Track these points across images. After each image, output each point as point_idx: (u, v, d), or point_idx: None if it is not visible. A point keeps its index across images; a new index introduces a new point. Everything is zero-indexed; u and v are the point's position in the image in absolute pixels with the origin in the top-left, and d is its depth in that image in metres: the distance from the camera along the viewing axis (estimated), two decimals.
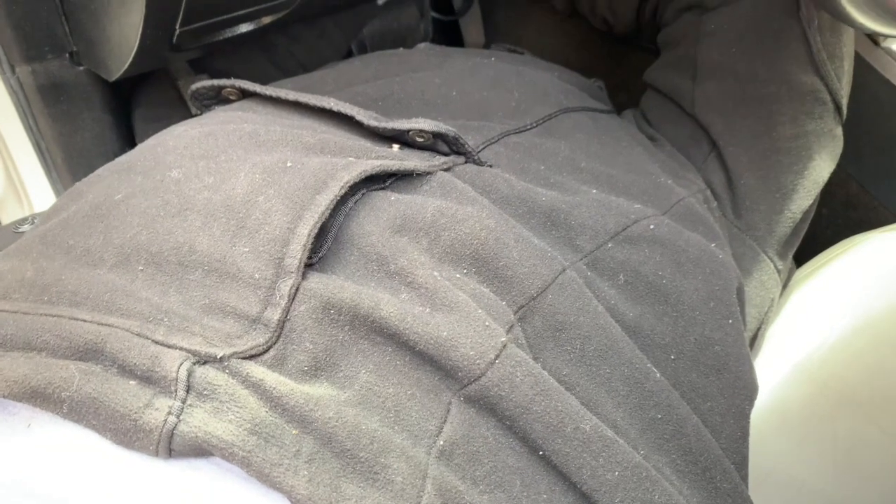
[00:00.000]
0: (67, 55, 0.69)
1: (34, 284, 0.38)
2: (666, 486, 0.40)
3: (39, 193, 0.81)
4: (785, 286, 0.66)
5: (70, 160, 0.77)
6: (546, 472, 0.37)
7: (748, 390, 0.48)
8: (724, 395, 0.47)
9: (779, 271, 0.62)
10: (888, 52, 0.75)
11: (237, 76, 0.54)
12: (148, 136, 0.75)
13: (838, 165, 0.64)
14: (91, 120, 0.76)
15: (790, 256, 0.64)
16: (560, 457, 0.37)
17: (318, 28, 0.84)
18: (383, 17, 0.99)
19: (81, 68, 0.71)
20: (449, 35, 1.12)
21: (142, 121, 0.77)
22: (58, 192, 0.80)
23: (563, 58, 0.89)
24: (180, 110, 0.75)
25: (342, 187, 0.40)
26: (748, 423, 0.48)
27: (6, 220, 0.90)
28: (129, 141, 0.81)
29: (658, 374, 0.44)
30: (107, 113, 0.77)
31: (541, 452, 0.37)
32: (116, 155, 0.80)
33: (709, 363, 0.47)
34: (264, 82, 0.55)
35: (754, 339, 0.62)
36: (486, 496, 0.35)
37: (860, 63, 0.74)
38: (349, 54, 0.97)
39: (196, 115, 0.72)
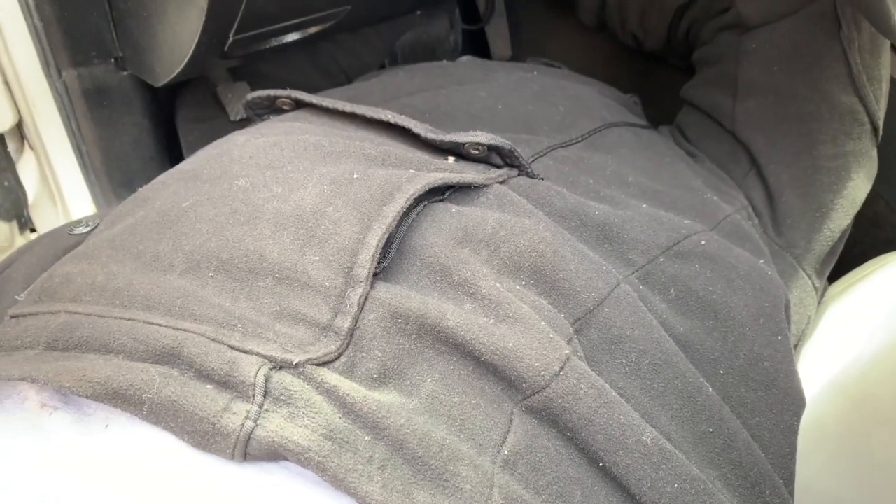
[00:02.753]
0: (113, 60, 0.70)
1: (105, 288, 0.39)
2: (721, 499, 0.40)
3: (75, 195, 0.82)
4: (819, 304, 0.67)
5: (108, 163, 0.78)
6: (605, 484, 0.38)
7: (796, 406, 0.49)
8: (772, 410, 0.47)
9: (816, 289, 0.63)
10: None
11: (276, 82, 0.55)
12: (191, 134, 0.77)
13: None
14: (131, 124, 0.77)
15: (826, 274, 0.65)
16: (621, 468, 0.38)
17: (360, 36, 0.86)
18: (415, 28, 1.00)
19: (125, 73, 0.72)
20: (476, 48, 1.13)
21: (185, 121, 0.78)
22: (94, 195, 0.81)
23: (590, 72, 0.90)
24: (223, 113, 0.76)
25: (408, 199, 0.40)
26: (796, 438, 0.48)
27: (39, 221, 0.91)
28: (165, 146, 0.82)
29: (710, 389, 0.45)
30: (146, 118, 0.78)
31: (601, 464, 0.38)
32: (153, 159, 0.81)
33: (758, 379, 0.48)
34: (301, 87, 0.56)
35: None
36: None
37: (891, 84, 0.75)
38: (382, 65, 0.98)
39: (236, 121, 0.74)
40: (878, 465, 0.60)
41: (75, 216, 0.82)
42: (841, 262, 0.69)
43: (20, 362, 0.36)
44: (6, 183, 0.87)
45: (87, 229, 0.50)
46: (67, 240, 0.49)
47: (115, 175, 0.79)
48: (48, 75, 0.69)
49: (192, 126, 0.77)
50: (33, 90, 0.72)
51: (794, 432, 0.48)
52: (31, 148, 0.85)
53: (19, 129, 0.83)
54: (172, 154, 0.83)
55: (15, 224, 0.90)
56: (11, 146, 0.85)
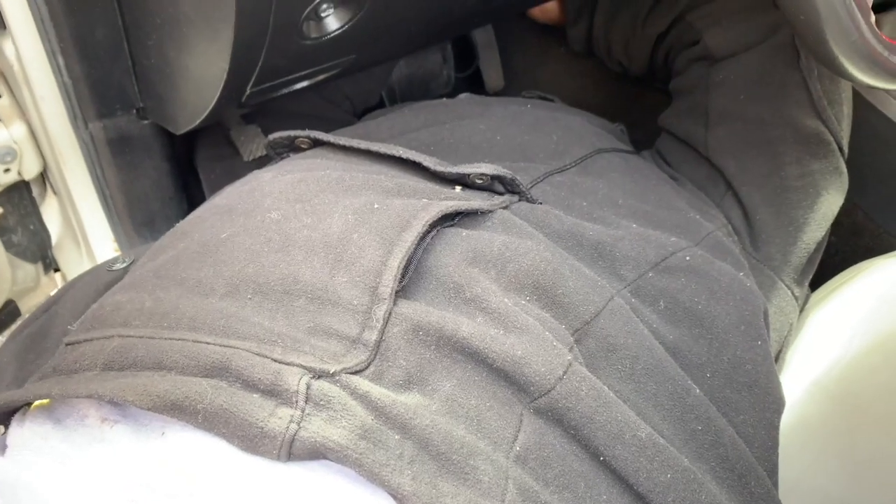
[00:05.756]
0: (135, 111, 0.76)
1: (153, 313, 0.43)
2: (711, 488, 0.45)
3: (98, 236, 0.87)
4: (801, 310, 0.71)
5: (130, 205, 0.83)
6: (605, 475, 0.42)
7: (777, 404, 0.53)
8: (755, 408, 0.52)
9: (796, 298, 0.67)
10: (887, 91, 0.81)
11: (286, 112, 0.58)
12: (212, 173, 0.82)
13: (845, 196, 0.70)
14: (151, 168, 0.82)
15: (806, 283, 0.69)
16: (619, 461, 0.42)
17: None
18: (409, 63, 1.06)
19: (146, 122, 0.77)
20: (471, 79, 1.18)
21: (205, 161, 0.83)
22: (116, 235, 0.86)
23: (580, 98, 0.95)
24: (238, 152, 0.81)
25: (424, 225, 0.45)
26: (777, 433, 0.53)
27: (63, 262, 0.95)
28: (183, 186, 0.87)
29: (697, 391, 0.49)
30: (165, 161, 0.83)
31: (602, 458, 0.42)
32: (172, 199, 0.86)
33: (741, 380, 0.52)
34: (309, 115, 0.60)
35: (776, 362, 0.67)
36: (556, 496, 0.40)
37: (862, 102, 0.80)
38: (380, 99, 1.03)
39: (248, 161, 0.79)
40: (861, 460, 0.65)
41: (98, 255, 0.87)
42: (823, 270, 0.73)
43: (83, 382, 0.40)
44: (31, 227, 0.92)
45: (125, 265, 0.55)
46: (107, 276, 0.54)
47: (137, 215, 0.84)
48: (76, 127, 0.74)
49: (212, 165, 0.82)
50: (60, 141, 0.77)
51: (776, 428, 0.52)
52: (55, 193, 0.90)
53: (43, 176, 0.89)
54: (189, 193, 0.88)
55: (40, 265, 0.95)
56: (35, 192, 0.91)
